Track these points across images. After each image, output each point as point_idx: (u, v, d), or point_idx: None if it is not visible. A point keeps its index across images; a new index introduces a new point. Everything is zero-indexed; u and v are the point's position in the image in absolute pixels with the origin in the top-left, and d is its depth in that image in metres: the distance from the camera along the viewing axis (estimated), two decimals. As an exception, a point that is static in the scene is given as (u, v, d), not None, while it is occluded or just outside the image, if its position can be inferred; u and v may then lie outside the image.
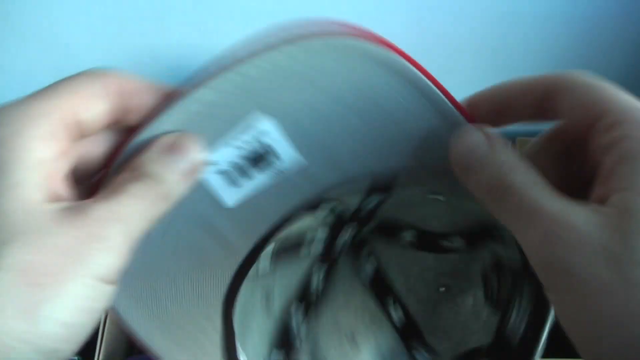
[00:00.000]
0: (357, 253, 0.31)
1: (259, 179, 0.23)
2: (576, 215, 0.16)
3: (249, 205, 0.23)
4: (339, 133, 0.23)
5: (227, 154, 0.22)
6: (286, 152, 0.23)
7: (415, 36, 0.79)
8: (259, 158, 0.23)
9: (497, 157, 0.18)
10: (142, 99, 0.21)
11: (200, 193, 0.23)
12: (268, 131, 0.22)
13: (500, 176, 0.18)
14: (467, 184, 0.19)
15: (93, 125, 0.21)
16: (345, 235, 0.30)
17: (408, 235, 0.31)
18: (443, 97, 0.21)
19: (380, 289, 0.31)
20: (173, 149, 0.20)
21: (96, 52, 0.73)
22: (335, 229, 0.29)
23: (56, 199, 0.19)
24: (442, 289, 0.30)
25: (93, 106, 0.20)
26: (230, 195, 0.23)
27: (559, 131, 0.21)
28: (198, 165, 0.21)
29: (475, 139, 0.19)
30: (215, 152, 0.22)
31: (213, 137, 0.22)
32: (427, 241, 0.30)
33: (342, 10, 0.74)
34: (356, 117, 0.22)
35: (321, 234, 0.29)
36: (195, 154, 0.21)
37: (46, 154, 0.19)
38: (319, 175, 0.23)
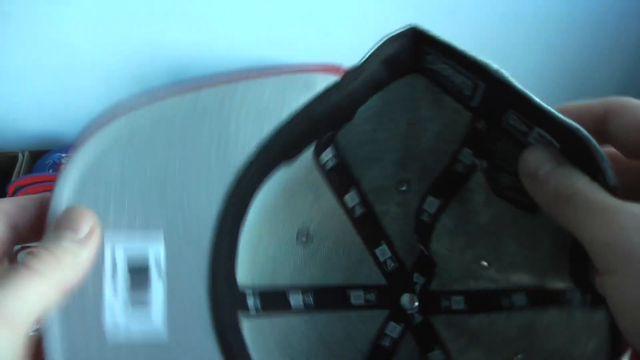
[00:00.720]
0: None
1: (155, 285, 0.22)
2: (635, 207, 0.18)
3: (177, 310, 0.22)
4: None
5: (113, 300, 0.22)
6: (141, 247, 0.22)
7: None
8: (134, 273, 0.22)
9: (565, 169, 0.21)
10: (27, 215, 0.22)
11: (139, 345, 0.22)
12: (115, 255, 0.22)
13: (567, 183, 0.20)
14: (533, 191, 0.22)
15: None
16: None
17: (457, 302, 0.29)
18: None
19: None
20: (61, 223, 0.21)
21: (96, 52, 0.73)
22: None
23: None
24: (520, 357, 0.27)
25: None
26: (156, 322, 0.22)
27: (612, 153, 0.23)
28: (90, 230, 0.21)
29: (544, 153, 0.22)
30: (105, 307, 0.22)
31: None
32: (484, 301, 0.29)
33: (343, 10, 0.74)
34: None
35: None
36: (84, 221, 0.21)
37: None
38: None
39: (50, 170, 0.77)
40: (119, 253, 0.22)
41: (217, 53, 0.76)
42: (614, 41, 0.85)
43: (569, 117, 0.20)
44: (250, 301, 0.26)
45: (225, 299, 0.23)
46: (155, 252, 0.22)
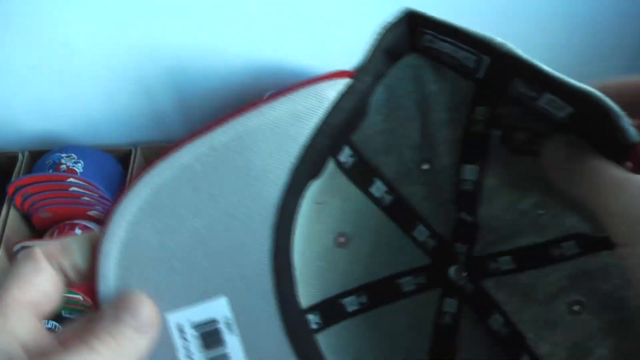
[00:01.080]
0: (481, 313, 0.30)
1: (230, 341, 0.22)
2: None
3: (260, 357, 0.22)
4: None
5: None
6: (205, 312, 0.22)
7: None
8: (207, 339, 0.22)
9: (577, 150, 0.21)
10: (66, 257, 0.22)
11: None
12: (181, 324, 0.22)
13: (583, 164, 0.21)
14: (556, 179, 0.23)
15: (53, 294, 0.21)
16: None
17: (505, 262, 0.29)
18: None
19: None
20: (120, 308, 0.21)
21: (96, 52, 0.73)
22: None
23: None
24: (577, 307, 0.28)
25: (44, 282, 0.21)
26: None
27: None
28: (150, 318, 0.21)
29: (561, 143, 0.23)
30: None
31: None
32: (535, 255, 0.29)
33: (341, 9, 0.74)
34: None
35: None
36: (143, 308, 0.21)
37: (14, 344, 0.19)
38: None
39: (50, 170, 0.77)
40: (185, 324, 0.22)
41: (217, 53, 0.76)
42: (614, 41, 0.85)
43: (609, 93, 0.20)
44: (312, 319, 0.26)
45: (302, 333, 0.23)
46: (221, 312, 0.22)
